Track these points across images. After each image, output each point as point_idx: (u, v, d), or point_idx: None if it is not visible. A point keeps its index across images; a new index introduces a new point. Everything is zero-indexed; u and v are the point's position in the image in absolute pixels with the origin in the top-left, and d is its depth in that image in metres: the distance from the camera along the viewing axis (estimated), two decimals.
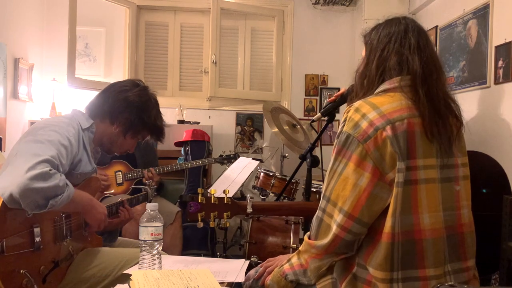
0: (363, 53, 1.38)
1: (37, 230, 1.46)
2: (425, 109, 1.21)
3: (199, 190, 1.60)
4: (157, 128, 1.90)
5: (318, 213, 1.28)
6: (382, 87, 1.28)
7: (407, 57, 1.26)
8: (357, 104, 1.25)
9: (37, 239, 1.45)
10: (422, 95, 1.22)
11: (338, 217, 1.21)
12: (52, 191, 1.36)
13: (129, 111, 1.77)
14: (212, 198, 1.60)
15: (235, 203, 1.63)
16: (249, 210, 1.64)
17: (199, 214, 1.58)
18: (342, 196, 1.20)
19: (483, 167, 2.17)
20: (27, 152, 1.41)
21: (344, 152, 1.21)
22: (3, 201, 1.34)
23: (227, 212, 1.61)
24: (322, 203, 1.27)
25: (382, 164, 1.17)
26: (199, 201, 1.58)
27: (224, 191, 1.63)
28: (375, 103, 1.23)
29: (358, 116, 1.21)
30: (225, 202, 1.61)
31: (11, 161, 1.42)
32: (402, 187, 1.17)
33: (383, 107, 1.21)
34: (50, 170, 1.37)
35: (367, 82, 1.32)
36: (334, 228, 1.22)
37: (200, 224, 1.59)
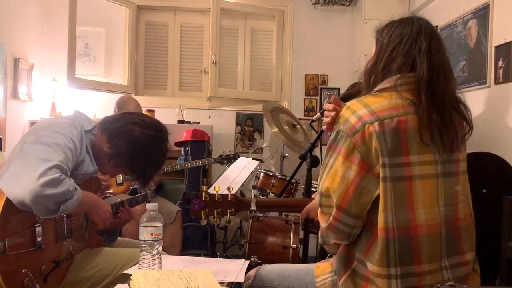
0: (373, 49, 1.39)
1: (38, 229, 1.46)
2: (424, 113, 1.22)
3: (203, 187, 1.60)
4: (143, 176, 1.79)
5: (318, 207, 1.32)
6: (378, 86, 1.30)
7: (415, 59, 1.27)
8: (349, 103, 1.29)
9: (39, 238, 1.46)
10: (423, 99, 1.23)
11: (332, 209, 1.24)
12: (63, 196, 1.37)
13: (126, 143, 1.70)
14: (216, 195, 1.60)
15: (239, 200, 1.64)
16: (253, 207, 1.64)
17: (202, 211, 1.58)
18: (331, 188, 1.24)
19: (494, 168, 2.16)
20: (35, 155, 1.40)
21: (335, 147, 1.26)
22: (5, 201, 1.35)
23: (230, 209, 1.61)
24: (317, 198, 1.31)
25: (369, 157, 1.20)
26: (203, 198, 1.58)
27: (228, 188, 1.64)
28: (367, 102, 1.26)
29: (349, 113, 1.26)
30: (228, 199, 1.61)
31: (16, 162, 1.43)
32: (392, 182, 1.19)
33: (374, 105, 1.24)
34: (60, 176, 1.38)
35: (374, 79, 1.34)
36: (330, 218, 1.25)
37: (204, 222, 1.60)
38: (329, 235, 1.29)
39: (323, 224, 1.29)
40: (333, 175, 1.23)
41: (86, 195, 1.57)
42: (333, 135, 1.27)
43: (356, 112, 1.24)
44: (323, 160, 1.30)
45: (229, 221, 1.61)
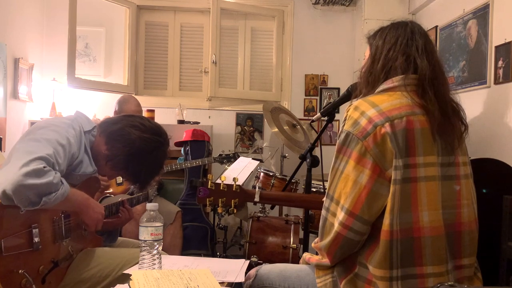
0: (367, 53, 1.39)
1: (35, 230, 1.45)
2: (435, 109, 1.22)
3: (209, 176, 1.62)
4: (139, 180, 1.77)
5: (323, 212, 1.29)
6: (382, 86, 1.30)
7: (414, 58, 1.28)
8: (356, 102, 1.27)
9: (36, 239, 1.45)
10: (432, 96, 1.23)
11: (340, 215, 1.22)
12: (45, 188, 1.35)
13: (123, 146, 1.68)
14: (221, 184, 1.61)
15: (244, 191, 1.64)
16: (257, 199, 1.64)
17: (207, 199, 1.59)
18: (344, 193, 1.21)
19: (495, 171, 2.16)
20: (23, 150, 1.40)
21: (345, 150, 1.23)
22: (1, 202, 1.34)
23: (235, 199, 1.61)
24: (326, 202, 1.28)
25: (382, 161, 1.18)
26: (209, 186, 1.59)
27: (234, 179, 1.64)
28: (374, 101, 1.24)
29: (357, 114, 1.23)
30: (233, 189, 1.62)
31: (9, 160, 1.42)
32: (400, 184, 1.17)
33: (382, 105, 1.22)
34: (44, 167, 1.36)
35: (372, 79, 1.33)
36: (336, 226, 1.23)
37: (208, 209, 1.60)
38: (333, 255, 1.27)
39: (325, 241, 1.25)
40: (345, 180, 1.21)
41: (75, 193, 1.54)
42: (341, 137, 1.24)
43: (365, 113, 1.22)
44: (332, 163, 1.27)
45: (233, 210, 1.62)
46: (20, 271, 1.39)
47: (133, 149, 1.68)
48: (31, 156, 1.35)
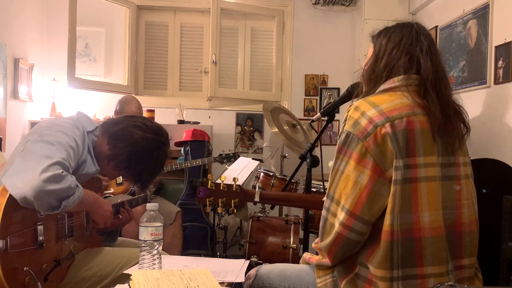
0: (370, 51, 1.39)
1: (40, 228, 1.47)
2: (436, 110, 1.22)
3: (209, 176, 1.62)
4: (140, 180, 1.79)
5: (323, 212, 1.29)
6: (383, 86, 1.30)
7: (418, 58, 1.28)
8: (356, 103, 1.27)
9: (40, 237, 1.47)
10: (434, 96, 1.23)
11: (341, 215, 1.22)
12: (64, 192, 1.39)
13: (125, 146, 1.70)
14: (221, 184, 1.61)
15: (244, 191, 1.64)
16: (257, 199, 1.65)
17: (207, 199, 1.60)
18: (344, 194, 1.21)
19: (494, 171, 2.17)
20: (38, 153, 1.42)
21: (345, 151, 1.23)
22: (7, 199, 1.35)
23: (235, 199, 1.62)
24: (326, 202, 1.28)
25: (382, 161, 1.18)
26: (209, 186, 1.60)
27: (234, 179, 1.65)
28: (374, 101, 1.24)
29: (358, 114, 1.23)
30: (233, 189, 1.62)
31: (18, 160, 1.43)
32: (401, 184, 1.17)
33: (383, 105, 1.22)
34: (62, 172, 1.39)
35: (374, 77, 1.33)
36: (336, 226, 1.23)
37: (208, 209, 1.60)
38: (334, 255, 1.27)
39: (326, 241, 1.26)
40: (346, 180, 1.21)
41: (87, 193, 1.57)
42: (342, 137, 1.24)
43: (365, 113, 1.22)
44: (333, 164, 1.27)
45: (233, 210, 1.62)
46: (24, 268, 1.40)
47: (136, 149, 1.70)
48: (49, 161, 1.38)
